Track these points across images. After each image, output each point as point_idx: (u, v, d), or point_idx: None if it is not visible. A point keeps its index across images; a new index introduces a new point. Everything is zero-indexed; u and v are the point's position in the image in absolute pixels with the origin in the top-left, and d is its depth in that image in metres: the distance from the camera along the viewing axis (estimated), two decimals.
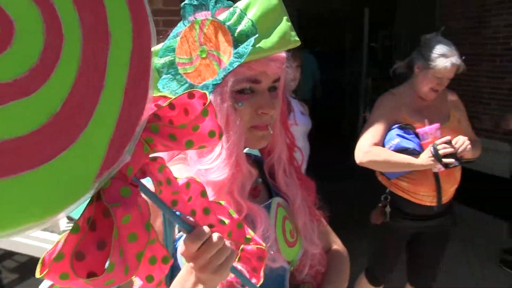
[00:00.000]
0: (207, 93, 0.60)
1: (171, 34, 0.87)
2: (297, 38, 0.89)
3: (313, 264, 1.03)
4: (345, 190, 4.82)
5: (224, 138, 0.84)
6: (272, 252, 0.89)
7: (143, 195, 0.56)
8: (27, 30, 0.43)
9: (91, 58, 0.46)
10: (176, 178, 0.64)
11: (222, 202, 0.72)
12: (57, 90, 0.44)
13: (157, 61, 0.88)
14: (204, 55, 0.83)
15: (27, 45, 0.42)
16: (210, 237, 0.65)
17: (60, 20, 0.44)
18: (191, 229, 0.64)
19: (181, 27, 0.85)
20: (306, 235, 0.99)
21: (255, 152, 1.05)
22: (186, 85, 0.84)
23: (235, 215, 0.72)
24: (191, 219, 0.66)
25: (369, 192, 2.34)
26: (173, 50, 0.86)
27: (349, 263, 1.17)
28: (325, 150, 4.56)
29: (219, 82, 0.82)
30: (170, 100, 0.59)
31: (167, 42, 0.87)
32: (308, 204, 1.03)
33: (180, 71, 0.85)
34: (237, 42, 0.82)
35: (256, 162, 1.05)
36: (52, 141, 0.44)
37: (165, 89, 0.85)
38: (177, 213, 0.65)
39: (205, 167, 0.86)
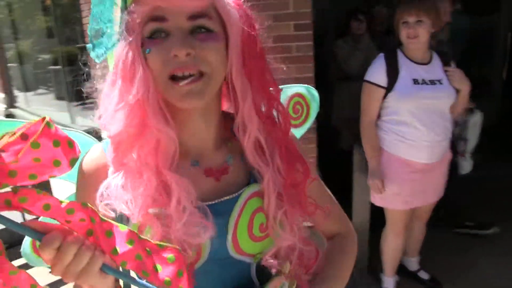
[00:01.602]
0: (46, 118, 0.56)
1: None
2: None
3: (285, 254, 0.89)
4: None
5: (127, 88, 0.76)
6: (193, 227, 0.76)
7: None
8: None
9: None
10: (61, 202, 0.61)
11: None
12: None
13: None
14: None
15: None
16: (63, 243, 0.60)
17: None
18: (41, 237, 0.60)
19: None
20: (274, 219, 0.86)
21: None
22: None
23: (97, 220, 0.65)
24: (42, 225, 0.61)
25: None
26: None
27: (354, 248, 1.06)
28: None
29: (113, 31, 0.76)
30: (23, 129, 0.56)
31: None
32: (288, 186, 0.88)
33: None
34: None
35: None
36: None
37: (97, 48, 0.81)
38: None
39: (102, 118, 0.79)
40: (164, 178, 0.78)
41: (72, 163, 0.58)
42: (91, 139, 1.01)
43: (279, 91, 0.88)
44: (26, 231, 0.60)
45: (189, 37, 0.76)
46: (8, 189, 0.58)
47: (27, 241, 1.09)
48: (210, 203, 0.82)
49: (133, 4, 0.75)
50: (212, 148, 0.88)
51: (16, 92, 7.82)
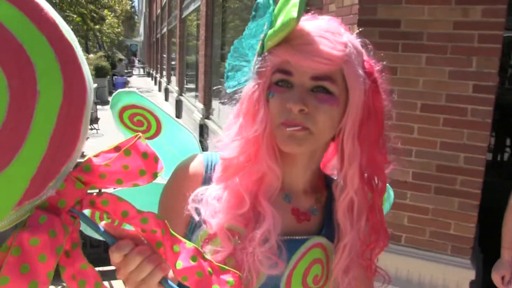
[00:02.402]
0: (139, 134, 0.65)
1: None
2: (294, 15, 0.76)
3: None
4: None
5: (247, 123, 0.84)
6: (267, 259, 0.83)
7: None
8: None
9: (16, 112, 0.58)
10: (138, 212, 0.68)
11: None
12: None
13: None
14: None
15: None
16: (130, 252, 0.66)
17: None
18: (114, 242, 0.67)
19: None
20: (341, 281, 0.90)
21: None
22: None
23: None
24: (118, 229, 0.68)
25: None
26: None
27: None
28: None
29: (248, 70, 0.86)
30: (118, 143, 0.66)
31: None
32: (360, 251, 0.91)
33: None
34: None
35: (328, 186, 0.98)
36: None
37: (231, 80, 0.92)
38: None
39: (221, 143, 0.89)
40: (259, 205, 0.85)
41: (154, 175, 0.65)
42: (196, 143, 1.11)
43: (386, 162, 0.91)
44: (102, 233, 0.67)
45: (308, 94, 0.81)
46: (94, 191, 0.67)
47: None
48: (284, 238, 0.87)
49: (267, 53, 0.83)
50: (302, 190, 0.95)
51: (214, 105, 8.80)
